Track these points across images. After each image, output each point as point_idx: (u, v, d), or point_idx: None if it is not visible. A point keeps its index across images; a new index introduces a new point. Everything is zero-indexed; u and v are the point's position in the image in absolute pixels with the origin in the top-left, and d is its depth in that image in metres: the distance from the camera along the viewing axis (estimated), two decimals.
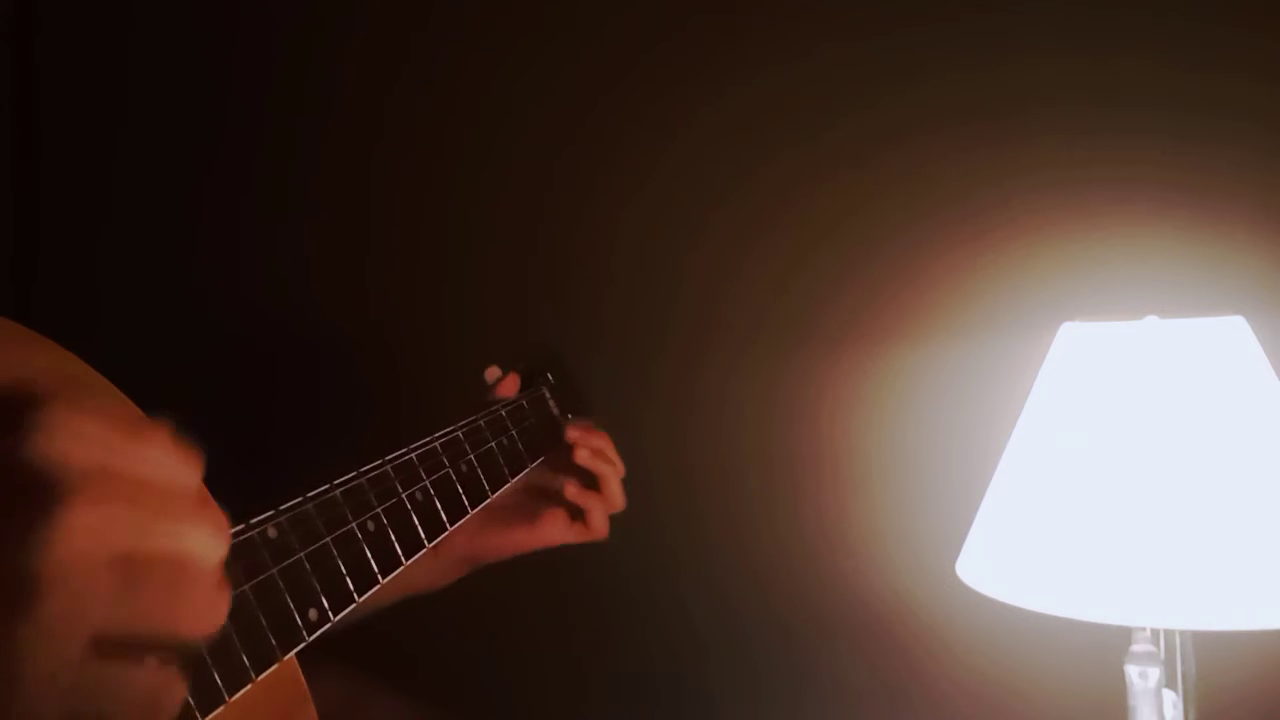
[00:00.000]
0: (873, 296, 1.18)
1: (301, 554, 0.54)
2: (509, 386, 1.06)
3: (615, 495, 1.01)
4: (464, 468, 0.81)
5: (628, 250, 1.29)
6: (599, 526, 1.00)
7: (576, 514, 1.00)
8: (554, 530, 1.00)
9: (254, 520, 0.52)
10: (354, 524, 0.60)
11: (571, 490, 1.00)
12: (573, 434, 1.01)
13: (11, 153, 1.51)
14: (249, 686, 0.47)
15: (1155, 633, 0.79)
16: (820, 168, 1.19)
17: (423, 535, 0.69)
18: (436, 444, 0.78)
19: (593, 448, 1.00)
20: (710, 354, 1.25)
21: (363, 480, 0.64)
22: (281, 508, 0.54)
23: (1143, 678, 0.77)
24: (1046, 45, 1.10)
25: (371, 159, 1.39)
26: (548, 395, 1.14)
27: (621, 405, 1.23)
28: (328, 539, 0.57)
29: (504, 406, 1.01)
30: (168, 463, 0.39)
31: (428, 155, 1.37)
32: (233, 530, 0.51)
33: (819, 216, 1.20)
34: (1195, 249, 1.03)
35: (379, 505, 0.64)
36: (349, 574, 0.58)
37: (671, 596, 1.28)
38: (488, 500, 0.84)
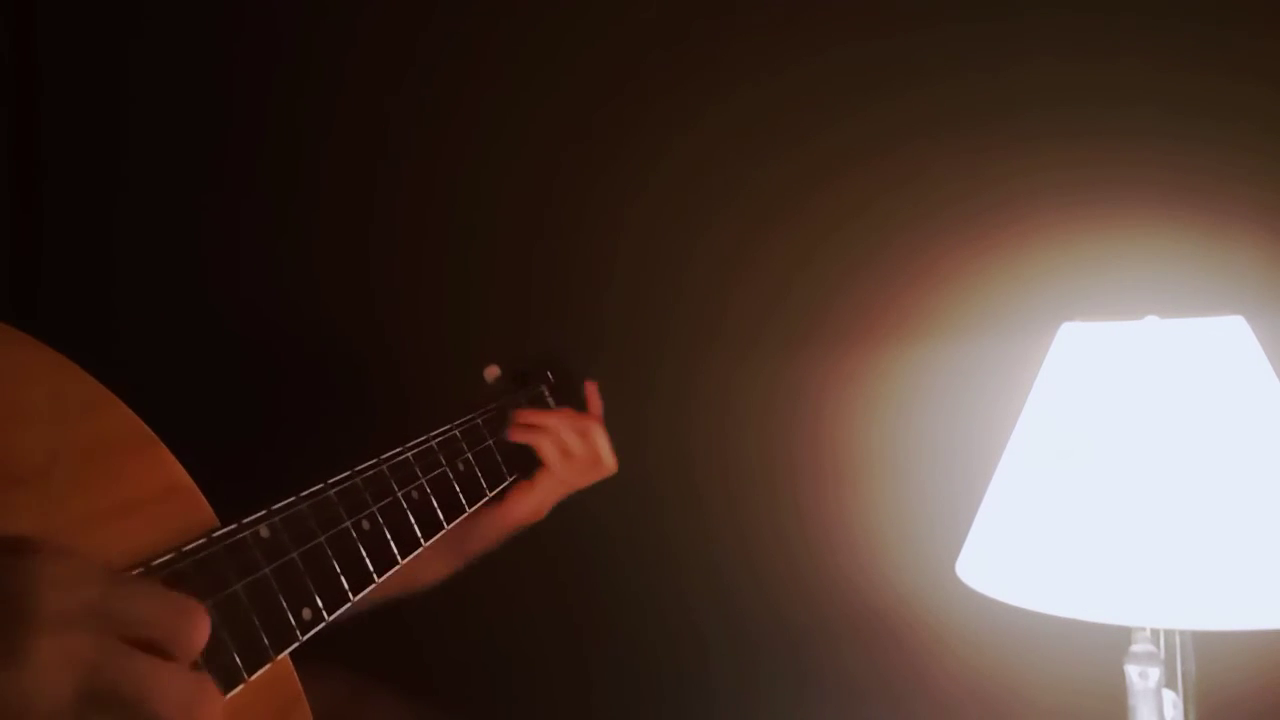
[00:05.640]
0: (874, 297, 1.18)
1: (295, 553, 0.54)
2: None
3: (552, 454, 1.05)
4: (461, 466, 0.81)
5: (631, 251, 1.29)
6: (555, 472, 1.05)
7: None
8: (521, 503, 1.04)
9: (246, 520, 0.52)
10: (348, 523, 0.60)
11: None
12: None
13: (14, 157, 1.51)
14: (241, 686, 0.47)
15: (1155, 633, 0.79)
16: (822, 170, 1.19)
17: (419, 534, 0.68)
18: (433, 443, 0.78)
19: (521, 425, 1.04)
20: (712, 354, 1.25)
21: (357, 479, 0.64)
22: (274, 507, 0.54)
23: (1143, 678, 0.77)
24: (1047, 48, 1.10)
25: (375, 161, 1.39)
26: (547, 394, 1.14)
27: (624, 405, 1.23)
28: (322, 538, 0.57)
29: (502, 405, 1.01)
30: (158, 620, 0.43)
31: (431, 156, 1.37)
32: (226, 530, 0.51)
33: (820, 218, 1.20)
34: (1195, 249, 1.03)
35: (374, 504, 0.64)
36: (344, 573, 0.58)
37: (674, 595, 1.28)
38: (486, 497, 0.84)
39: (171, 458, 0.55)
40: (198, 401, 1.30)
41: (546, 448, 1.04)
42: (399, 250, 1.39)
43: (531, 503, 1.05)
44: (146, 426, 0.55)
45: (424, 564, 1.02)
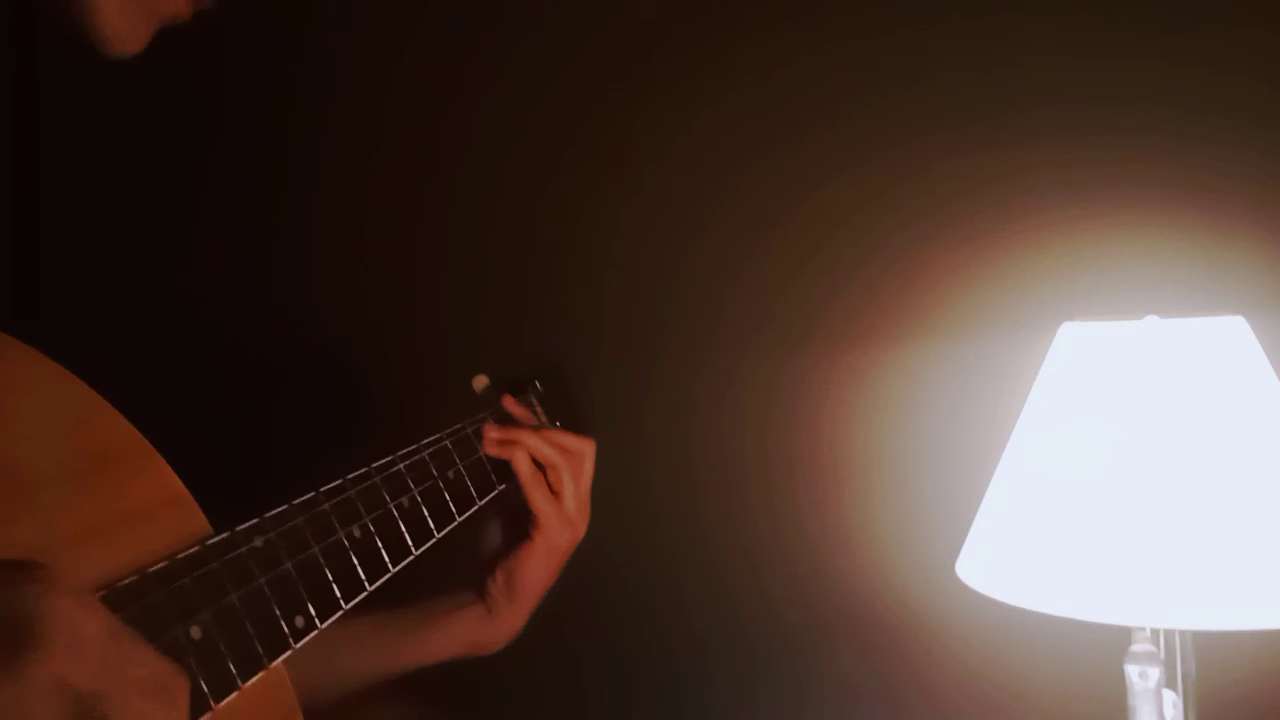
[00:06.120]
0: (873, 297, 1.18)
1: (289, 563, 0.54)
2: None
3: (527, 472, 0.97)
4: (451, 476, 0.82)
5: (627, 252, 1.29)
6: (543, 504, 0.97)
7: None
8: (550, 529, 0.99)
9: (240, 528, 0.52)
10: (341, 533, 0.61)
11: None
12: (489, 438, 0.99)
13: (14, 157, 1.51)
14: (235, 694, 0.48)
15: (1155, 633, 0.79)
16: (820, 169, 1.19)
17: (410, 543, 0.69)
18: (424, 454, 0.79)
19: (493, 440, 0.98)
20: (710, 355, 1.25)
21: (350, 489, 0.64)
22: (267, 515, 0.55)
23: (1143, 678, 0.77)
24: (1047, 46, 1.10)
25: (368, 163, 1.39)
26: (535, 404, 1.13)
27: (622, 407, 1.23)
28: (315, 548, 0.57)
29: (491, 415, 1.01)
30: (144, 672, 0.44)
31: (425, 158, 1.37)
32: (220, 538, 0.51)
33: (819, 217, 1.20)
34: (1195, 249, 1.02)
35: (367, 514, 0.65)
36: (335, 581, 0.58)
37: (671, 596, 1.28)
38: (475, 507, 0.84)
39: (168, 468, 0.56)
40: (193, 409, 1.30)
41: (519, 460, 0.97)
42: (394, 251, 1.39)
43: (554, 520, 0.98)
44: (143, 437, 0.55)
45: (495, 623, 1.00)
